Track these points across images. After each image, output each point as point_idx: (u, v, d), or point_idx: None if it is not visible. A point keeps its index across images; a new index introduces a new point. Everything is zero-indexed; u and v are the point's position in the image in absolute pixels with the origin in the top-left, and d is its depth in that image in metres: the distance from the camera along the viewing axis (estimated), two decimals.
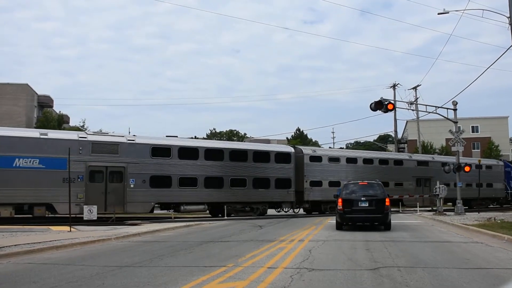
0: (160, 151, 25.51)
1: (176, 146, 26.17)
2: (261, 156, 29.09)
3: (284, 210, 30.05)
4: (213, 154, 27.29)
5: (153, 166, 25.00)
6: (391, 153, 44.33)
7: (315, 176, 30.93)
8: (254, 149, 29.34)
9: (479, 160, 38.10)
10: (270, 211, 30.00)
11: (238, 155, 28.18)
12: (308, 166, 30.84)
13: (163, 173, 25.26)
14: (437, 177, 34.71)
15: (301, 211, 31.81)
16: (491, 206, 37.29)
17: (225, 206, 26.82)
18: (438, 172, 36.36)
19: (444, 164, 36.87)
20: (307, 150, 32.27)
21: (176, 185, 25.56)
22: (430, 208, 34.48)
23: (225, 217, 26.50)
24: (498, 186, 41.92)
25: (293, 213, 30.72)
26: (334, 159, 32.54)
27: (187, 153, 26.10)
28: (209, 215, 28.65)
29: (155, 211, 27.20)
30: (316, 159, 31.47)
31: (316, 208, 31.26)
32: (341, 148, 50.59)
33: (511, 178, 42.83)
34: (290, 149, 31.30)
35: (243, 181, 27.95)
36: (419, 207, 33.35)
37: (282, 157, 29.83)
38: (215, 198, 26.85)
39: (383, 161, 35.22)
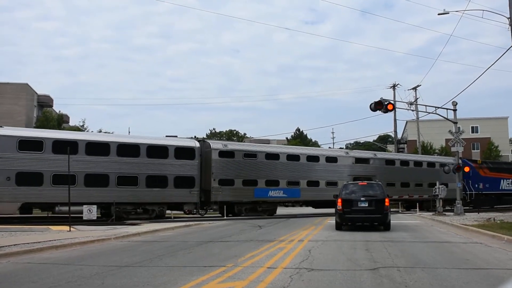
0: (29, 144, 22.73)
1: (50, 139, 23.32)
2: (157, 151, 25.98)
3: (186, 211, 27.48)
4: (97, 148, 24.41)
5: (20, 161, 22.25)
6: (324, 149, 40.58)
7: (226, 174, 27.86)
8: (148, 143, 26.04)
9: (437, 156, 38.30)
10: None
11: (128, 150, 25.27)
12: (217, 162, 27.69)
13: (33, 169, 22.43)
14: (381, 176, 32.31)
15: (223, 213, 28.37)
16: (448, 208, 33.97)
17: (112, 207, 23.69)
18: (382, 170, 34.30)
19: (388, 161, 35.79)
20: (216, 144, 29.12)
21: (49, 183, 22.55)
22: None
23: (224, 217, 26.47)
24: (456, 186, 38.66)
25: (200, 215, 27.98)
26: (250, 155, 29.28)
27: (64, 146, 21.45)
28: (216, 216, 28.40)
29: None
30: (227, 154, 28.32)
31: (231, 210, 28.40)
32: (340, 148, 50.41)
33: (471, 178, 39.12)
34: (194, 143, 28.06)
35: (133, 179, 24.88)
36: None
37: (184, 153, 26.74)
38: (98, 198, 23.34)
39: (312, 158, 32.00)
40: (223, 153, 28.26)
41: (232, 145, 30.54)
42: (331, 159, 32.72)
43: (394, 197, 33.83)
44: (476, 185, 39.53)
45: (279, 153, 30.91)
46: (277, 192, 29.60)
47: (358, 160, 34.15)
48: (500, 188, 42.07)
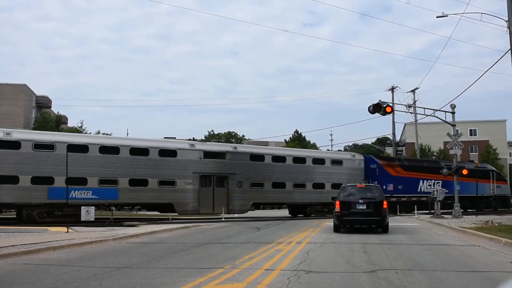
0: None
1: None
2: None
3: None
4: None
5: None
6: (160, 140, 30.66)
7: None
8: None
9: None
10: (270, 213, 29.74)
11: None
12: None
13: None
14: (243, 175, 28.27)
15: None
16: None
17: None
18: (245, 167, 28.70)
19: (255, 156, 29.43)
20: None
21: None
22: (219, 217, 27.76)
23: (222, 219, 26.48)
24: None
25: None
26: (45, 146, 23.18)
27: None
28: (215, 217, 28.22)
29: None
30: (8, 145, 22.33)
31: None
32: (339, 150, 50.39)
33: (378, 177, 33.44)
34: None
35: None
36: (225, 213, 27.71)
37: None
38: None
39: (141, 151, 25.59)
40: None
41: (18, 133, 23.62)
42: (168, 153, 26.50)
43: (265, 201, 30.20)
44: (384, 187, 32.14)
45: (88, 144, 24.49)
46: (85, 192, 23.63)
47: (208, 154, 27.82)
48: (419, 190, 36.08)
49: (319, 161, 31.81)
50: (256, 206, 30.00)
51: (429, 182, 36.61)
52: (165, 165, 26.16)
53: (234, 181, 28.18)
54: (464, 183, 34.50)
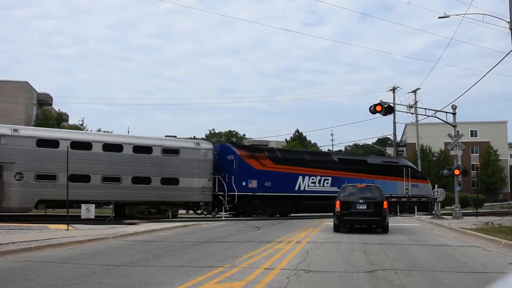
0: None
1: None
2: None
3: None
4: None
5: None
6: None
7: None
8: None
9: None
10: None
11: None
12: None
13: None
14: (25, 164, 22.18)
15: None
16: (181, 216, 26.58)
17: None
18: (27, 155, 22.40)
19: (42, 142, 22.85)
20: None
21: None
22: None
23: (222, 218, 26.49)
24: (200, 183, 26.61)
25: None
26: None
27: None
28: (209, 215, 28.04)
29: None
30: None
31: None
32: (339, 150, 50.40)
33: (235, 171, 27.66)
34: None
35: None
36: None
37: None
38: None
39: None
40: None
41: None
42: None
43: (58, 197, 21.92)
44: (244, 183, 27.55)
45: None
46: None
47: None
48: (298, 188, 29.93)
49: (143, 149, 25.45)
50: (51, 204, 23.51)
51: (313, 179, 30.42)
52: None
53: (12, 171, 22.11)
54: (364, 180, 29.35)
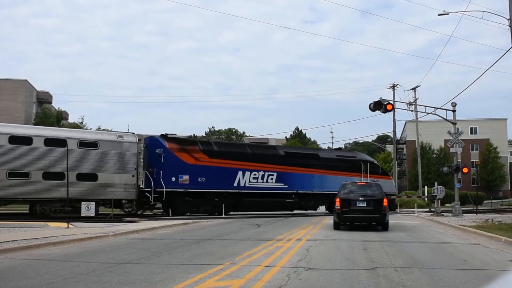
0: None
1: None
2: None
3: None
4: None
5: None
6: None
7: None
8: None
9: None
10: None
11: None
12: None
13: None
14: None
15: None
16: (116, 216, 23.50)
17: None
18: None
19: None
20: None
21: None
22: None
23: (222, 215, 26.48)
24: (123, 179, 24.64)
25: None
26: None
27: None
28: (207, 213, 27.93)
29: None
30: None
31: None
32: (339, 148, 50.26)
33: (164, 166, 25.55)
34: None
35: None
36: None
37: None
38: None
39: None
40: None
41: None
42: None
43: None
44: (174, 179, 25.52)
45: None
46: None
47: None
48: (237, 184, 27.72)
49: (56, 142, 23.48)
50: None
51: (255, 174, 28.23)
52: None
53: None
54: (314, 176, 28.59)
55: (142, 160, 26.70)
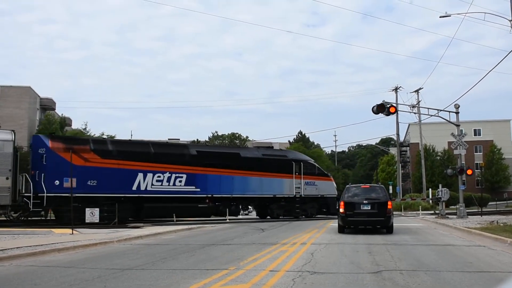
0: None
1: None
2: None
3: None
4: None
5: None
6: None
7: None
8: None
9: None
10: None
11: None
12: None
13: None
14: None
15: None
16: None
17: None
18: None
19: None
20: None
21: None
22: None
23: (227, 220, 26.46)
24: None
25: None
26: None
27: None
28: (213, 218, 27.61)
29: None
30: None
31: None
32: (342, 151, 50.34)
33: (46, 168, 22.86)
34: None
35: None
36: None
37: None
38: None
39: None
40: None
41: None
42: None
43: None
44: (57, 182, 22.66)
45: None
46: None
47: None
48: (137, 188, 24.92)
49: None
50: None
51: (159, 176, 25.43)
52: None
53: None
54: (235, 178, 26.51)
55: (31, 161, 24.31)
